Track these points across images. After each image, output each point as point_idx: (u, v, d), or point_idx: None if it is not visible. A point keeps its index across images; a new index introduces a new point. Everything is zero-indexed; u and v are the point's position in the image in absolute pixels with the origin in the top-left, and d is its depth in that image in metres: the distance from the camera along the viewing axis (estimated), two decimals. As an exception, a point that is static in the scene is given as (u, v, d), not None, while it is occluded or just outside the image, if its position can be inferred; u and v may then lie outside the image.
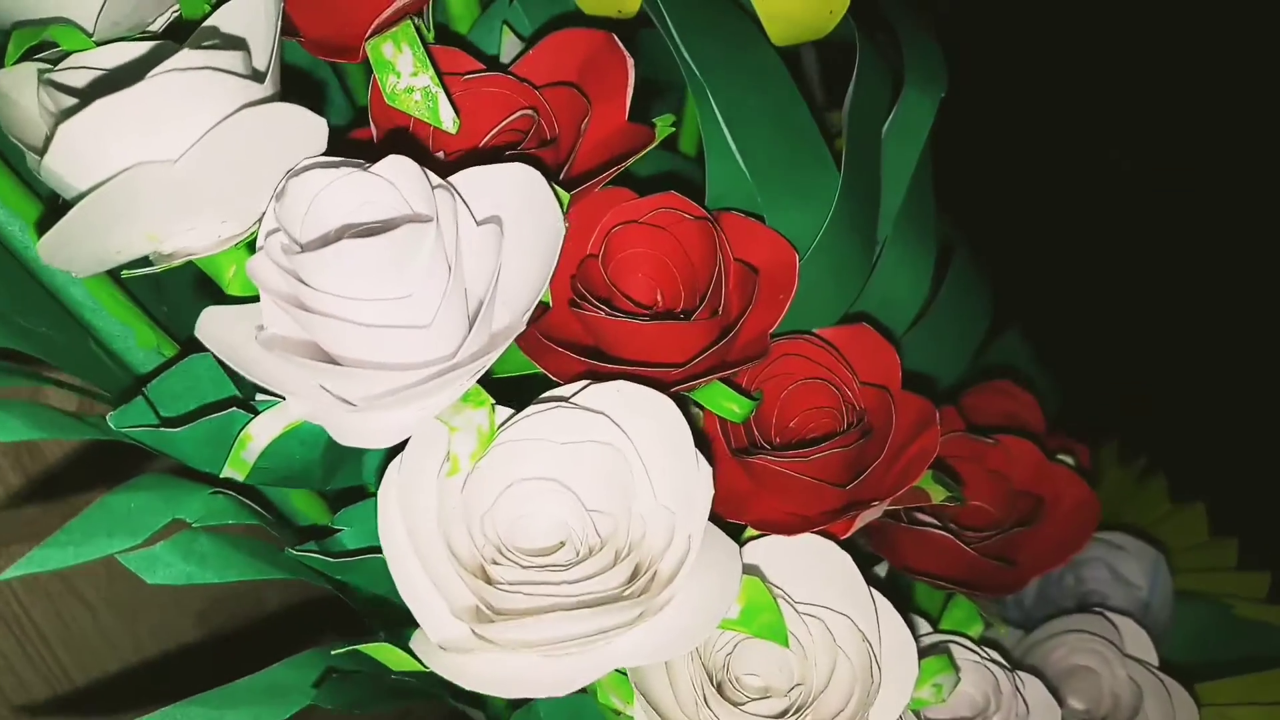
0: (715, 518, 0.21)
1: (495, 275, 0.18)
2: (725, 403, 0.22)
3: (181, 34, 0.20)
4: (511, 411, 0.20)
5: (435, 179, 0.19)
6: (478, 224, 0.19)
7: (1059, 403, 0.38)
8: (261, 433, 0.19)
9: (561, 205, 0.19)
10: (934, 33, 0.28)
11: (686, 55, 0.24)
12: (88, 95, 0.18)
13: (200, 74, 0.17)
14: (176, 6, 0.21)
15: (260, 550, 0.19)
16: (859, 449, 0.22)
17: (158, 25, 0.21)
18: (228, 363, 0.17)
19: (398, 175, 0.18)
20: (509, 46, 0.26)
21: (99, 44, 0.19)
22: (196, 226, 0.18)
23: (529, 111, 0.22)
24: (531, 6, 0.27)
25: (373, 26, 0.21)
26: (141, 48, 0.19)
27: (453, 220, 0.18)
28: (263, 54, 0.19)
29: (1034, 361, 0.38)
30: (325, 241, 0.18)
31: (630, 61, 0.23)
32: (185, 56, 0.17)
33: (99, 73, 0.19)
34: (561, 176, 0.22)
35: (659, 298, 0.23)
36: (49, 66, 0.18)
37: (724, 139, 0.24)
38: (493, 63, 0.24)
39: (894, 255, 0.27)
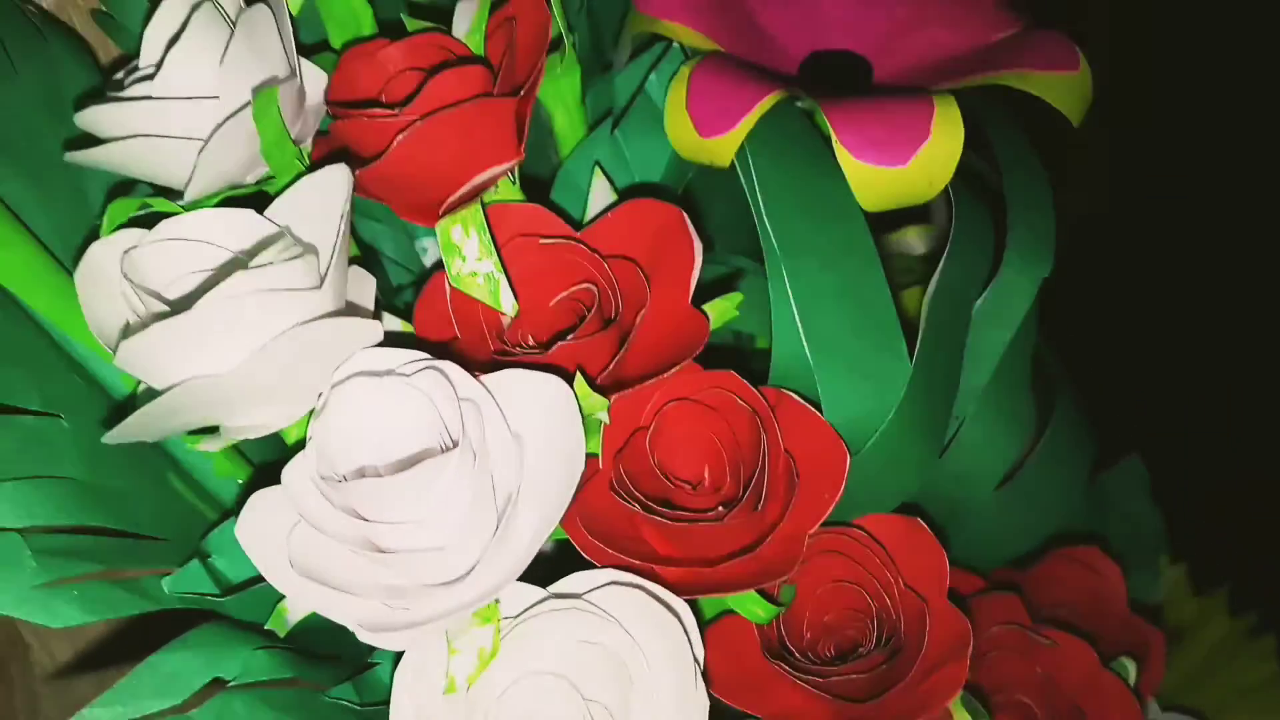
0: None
1: (515, 493, 0.19)
2: (751, 605, 0.22)
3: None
4: (532, 593, 0.21)
5: (468, 387, 0.19)
6: (508, 432, 0.19)
7: (1166, 551, 0.36)
8: (297, 608, 0.20)
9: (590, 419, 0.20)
10: (1050, 199, 0.26)
11: (770, 228, 0.24)
12: (163, 287, 0.19)
13: (253, 298, 0.18)
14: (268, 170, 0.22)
15: (294, 703, 0.21)
16: (885, 669, 0.22)
17: (251, 178, 0.22)
18: (263, 572, 0.19)
19: (433, 389, 0.19)
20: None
21: (188, 208, 0.21)
22: (256, 415, 0.20)
23: (592, 287, 0.23)
24: (631, 139, 0.27)
25: (445, 206, 0.22)
26: (224, 221, 0.20)
27: (481, 437, 0.19)
28: (326, 253, 0.20)
29: (1147, 499, 0.35)
30: (360, 460, 0.19)
31: (699, 246, 0.23)
32: (239, 281, 0.18)
33: (181, 244, 0.20)
34: (613, 364, 0.22)
35: (706, 476, 0.23)
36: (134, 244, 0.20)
37: (792, 319, 0.23)
38: (572, 223, 0.24)
39: (975, 434, 0.26)
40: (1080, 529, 0.31)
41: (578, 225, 0.24)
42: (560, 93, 0.27)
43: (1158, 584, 0.35)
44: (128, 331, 0.18)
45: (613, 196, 0.25)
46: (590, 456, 0.21)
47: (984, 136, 0.27)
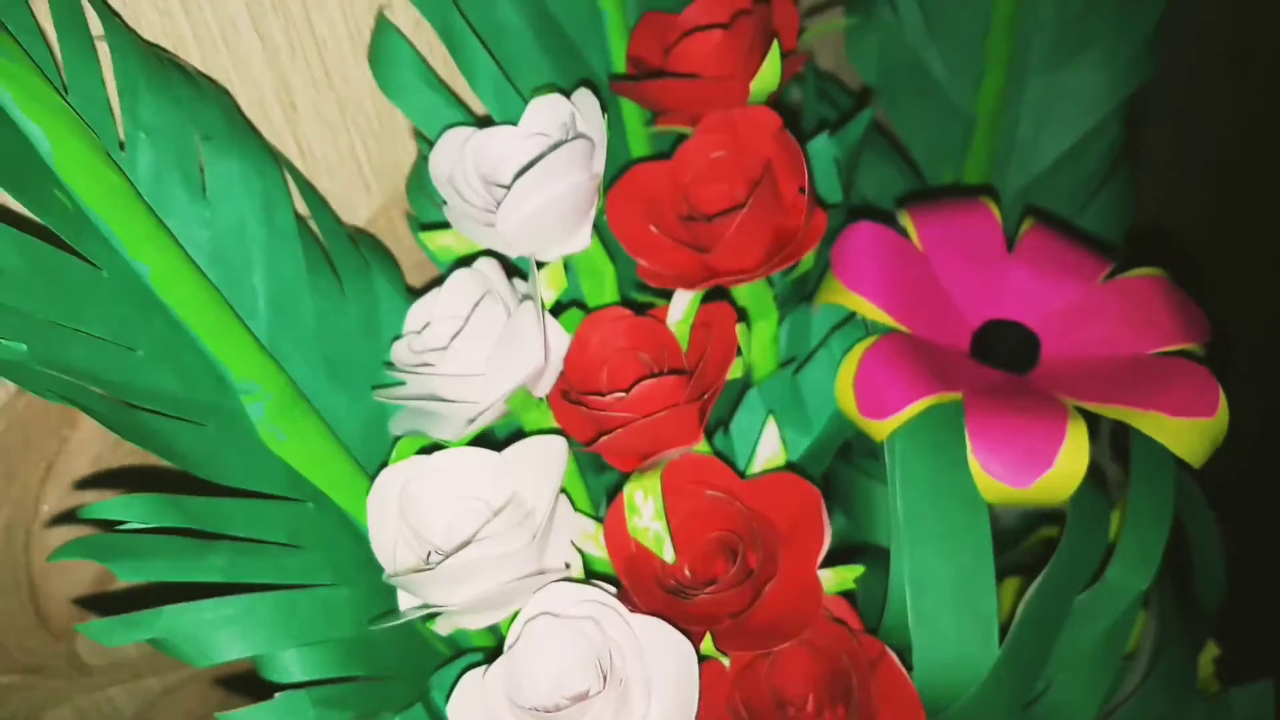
0: None
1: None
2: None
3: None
4: None
5: (619, 633, 0.26)
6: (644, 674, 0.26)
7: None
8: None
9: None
10: (1169, 518, 0.29)
11: (900, 509, 0.28)
12: (424, 525, 0.27)
13: (485, 562, 0.25)
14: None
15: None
16: None
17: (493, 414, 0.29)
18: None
19: (594, 632, 0.26)
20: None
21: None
22: (471, 620, 0.27)
23: (737, 539, 0.28)
24: (808, 384, 0.32)
25: (634, 472, 0.28)
26: (475, 462, 0.27)
27: (624, 678, 0.25)
28: (541, 513, 0.26)
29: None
30: (539, 691, 0.26)
31: (829, 531, 0.28)
32: (476, 551, 0.25)
33: (442, 478, 0.27)
34: (743, 614, 0.27)
35: (809, 703, 0.29)
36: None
37: (903, 594, 0.28)
38: (735, 464, 0.30)
39: (1059, 696, 0.30)
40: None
41: (742, 471, 0.30)
42: (758, 332, 0.32)
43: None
44: (396, 560, 0.26)
45: (779, 448, 0.31)
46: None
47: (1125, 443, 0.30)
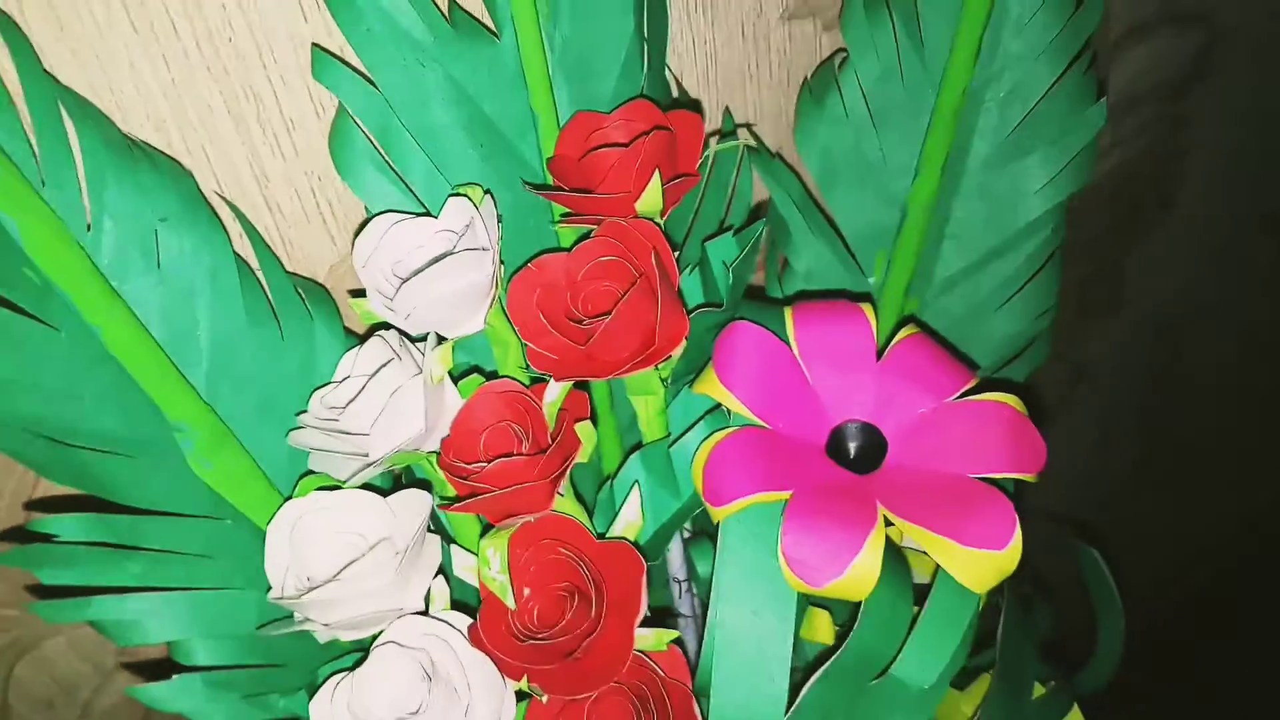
0: None
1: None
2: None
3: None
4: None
5: (447, 663, 0.31)
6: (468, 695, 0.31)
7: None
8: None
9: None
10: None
11: (719, 582, 0.33)
12: (309, 559, 0.32)
13: (351, 599, 0.31)
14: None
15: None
16: None
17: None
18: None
19: (425, 659, 0.31)
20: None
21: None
22: (346, 635, 0.33)
23: (577, 591, 0.33)
24: (680, 457, 0.37)
25: (487, 533, 0.33)
26: (358, 504, 0.33)
27: (450, 690, 0.31)
28: (403, 546, 0.32)
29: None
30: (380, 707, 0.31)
31: (645, 603, 0.32)
32: (338, 588, 0.30)
33: (329, 517, 0.33)
34: (566, 660, 0.32)
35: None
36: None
37: (711, 654, 0.33)
38: (593, 532, 0.35)
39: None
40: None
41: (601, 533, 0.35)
42: (644, 405, 0.37)
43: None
44: (284, 583, 0.32)
45: (639, 514, 0.35)
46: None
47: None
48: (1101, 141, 0.65)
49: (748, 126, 0.46)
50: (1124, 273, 0.78)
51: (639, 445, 0.38)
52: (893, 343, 0.37)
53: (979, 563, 0.31)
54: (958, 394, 0.36)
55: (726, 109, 0.45)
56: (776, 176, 0.44)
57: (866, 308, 0.37)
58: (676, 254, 0.35)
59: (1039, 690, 0.44)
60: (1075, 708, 0.45)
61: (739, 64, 0.45)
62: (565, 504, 0.34)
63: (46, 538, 0.30)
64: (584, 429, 0.33)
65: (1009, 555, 0.31)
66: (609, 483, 0.38)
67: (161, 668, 0.33)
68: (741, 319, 0.36)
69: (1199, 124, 0.72)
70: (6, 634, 0.41)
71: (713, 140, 0.41)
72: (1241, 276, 0.84)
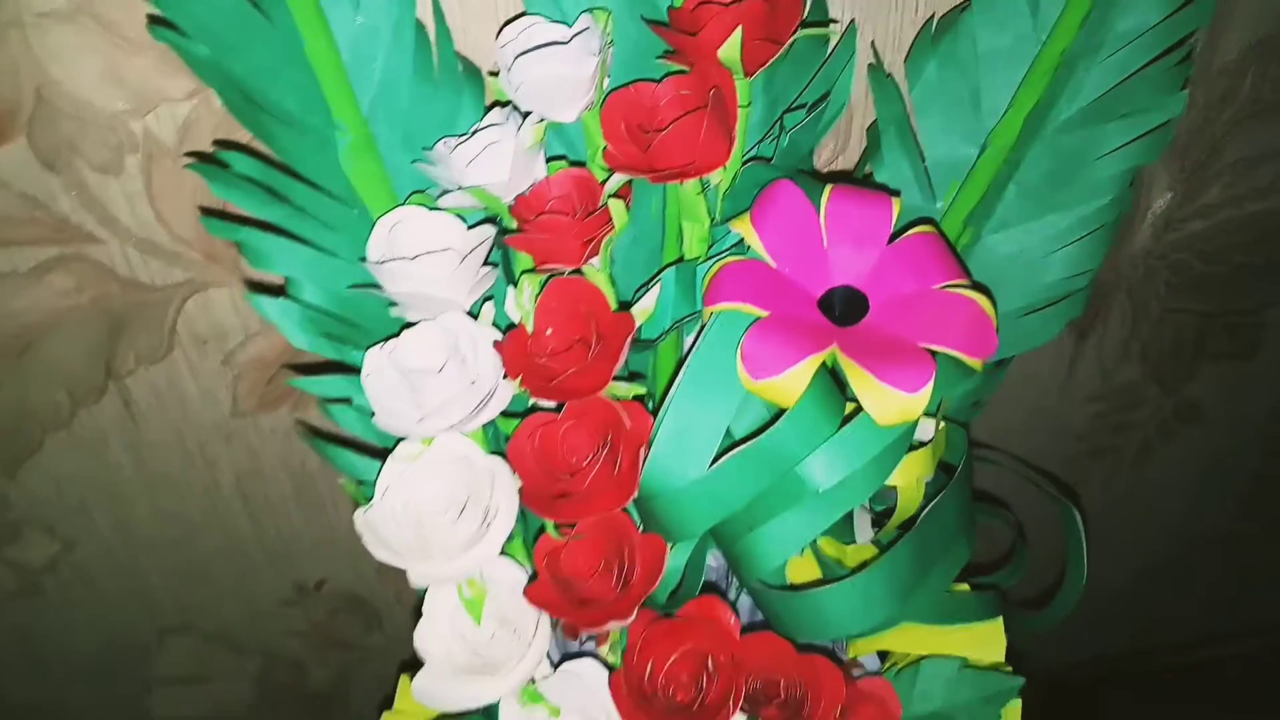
0: None
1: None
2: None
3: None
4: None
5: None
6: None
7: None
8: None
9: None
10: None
11: (691, 361, 0.40)
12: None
13: (417, 277, 0.41)
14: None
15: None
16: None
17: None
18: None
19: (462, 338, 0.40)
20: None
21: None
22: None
23: (587, 334, 0.42)
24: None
25: (532, 270, 0.42)
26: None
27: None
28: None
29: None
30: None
31: (622, 361, 0.41)
32: (414, 264, 0.40)
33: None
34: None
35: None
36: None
37: (664, 414, 0.41)
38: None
39: (756, 542, 0.41)
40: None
41: (627, 304, 0.43)
42: (691, 230, 0.45)
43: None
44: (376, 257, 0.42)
45: (652, 305, 0.43)
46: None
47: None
48: (1260, 180, 0.66)
49: (872, 46, 0.52)
50: (1264, 324, 0.78)
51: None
52: (907, 233, 0.43)
53: (888, 398, 0.38)
54: (943, 285, 0.41)
55: (854, 25, 0.51)
56: (884, 93, 0.50)
57: (897, 202, 0.43)
58: (745, 109, 0.42)
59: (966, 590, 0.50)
60: (1000, 628, 0.50)
61: (885, -5, 0.51)
62: (595, 275, 0.43)
63: (224, 164, 0.41)
64: (617, 208, 0.41)
65: (916, 400, 0.37)
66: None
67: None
68: (788, 179, 0.43)
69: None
70: (189, 273, 0.54)
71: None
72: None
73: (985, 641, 0.50)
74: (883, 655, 0.52)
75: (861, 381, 0.38)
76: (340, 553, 0.71)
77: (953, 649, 0.50)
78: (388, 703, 0.52)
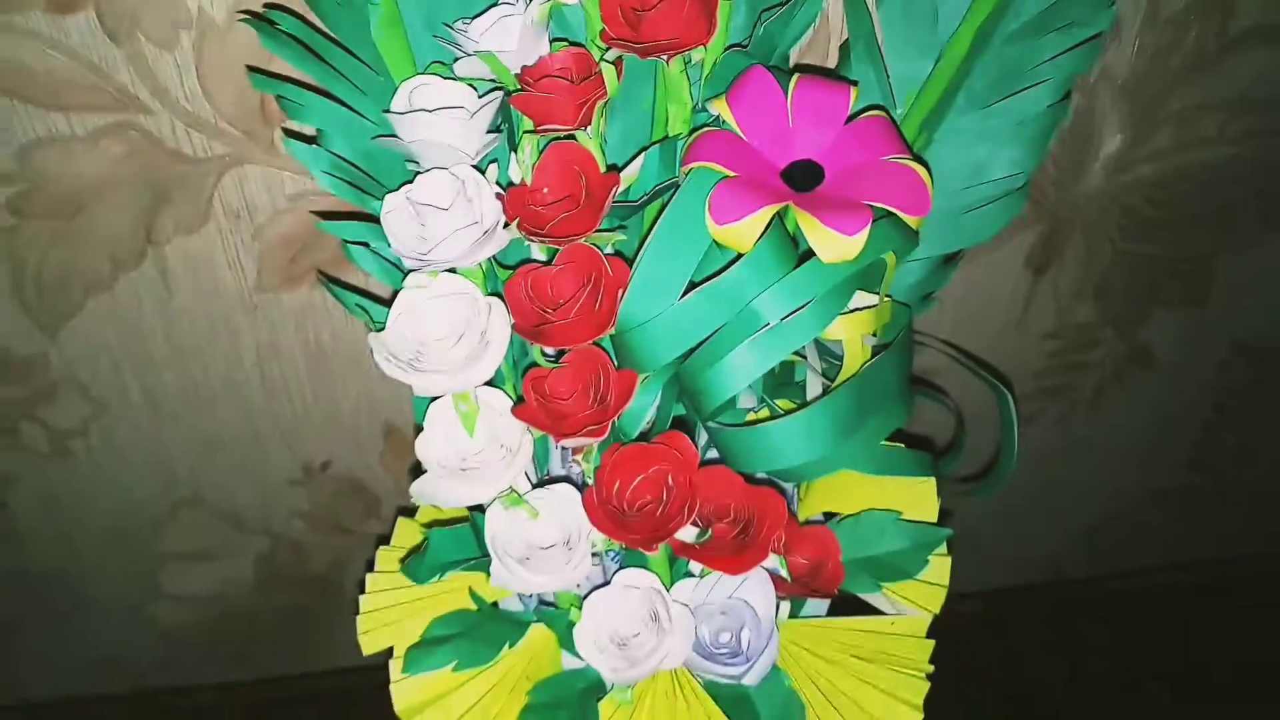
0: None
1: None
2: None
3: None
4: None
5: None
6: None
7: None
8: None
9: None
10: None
11: (669, 211, 0.47)
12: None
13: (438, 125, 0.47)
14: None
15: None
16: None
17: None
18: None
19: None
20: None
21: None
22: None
23: (577, 187, 0.48)
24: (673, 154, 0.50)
25: (540, 130, 0.48)
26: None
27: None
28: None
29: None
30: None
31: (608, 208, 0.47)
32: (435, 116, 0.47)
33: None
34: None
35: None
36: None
37: (641, 259, 0.47)
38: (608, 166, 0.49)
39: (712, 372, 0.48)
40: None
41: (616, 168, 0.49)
42: (676, 114, 0.51)
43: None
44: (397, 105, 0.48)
45: (635, 172, 0.49)
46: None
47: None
48: (1205, 129, 0.73)
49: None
50: (1214, 273, 0.84)
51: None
52: (860, 116, 0.49)
53: (830, 239, 0.44)
54: (888, 157, 0.48)
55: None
56: (855, 13, 0.57)
57: (854, 90, 0.49)
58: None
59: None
60: (933, 489, 0.56)
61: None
62: (587, 140, 0.49)
63: (273, 22, 0.48)
64: (609, 73, 0.47)
65: (854, 242, 0.44)
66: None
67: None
68: (764, 67, 0.49)
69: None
70: (229, 148, 0.61)
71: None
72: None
73: (919, 501, 0.56)
74: (829, 516, 0.58)
75: (809, 226, 0.44)
76: (346, 435, 0.77)
77: (890, 506, 0.56)
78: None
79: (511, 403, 0.49)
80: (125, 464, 0.77)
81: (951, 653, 0.55)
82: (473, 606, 0.55)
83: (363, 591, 0.56)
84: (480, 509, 0.51)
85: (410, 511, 0.61)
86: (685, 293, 0.46)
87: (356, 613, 0.55)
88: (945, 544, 0.55)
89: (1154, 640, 0.94)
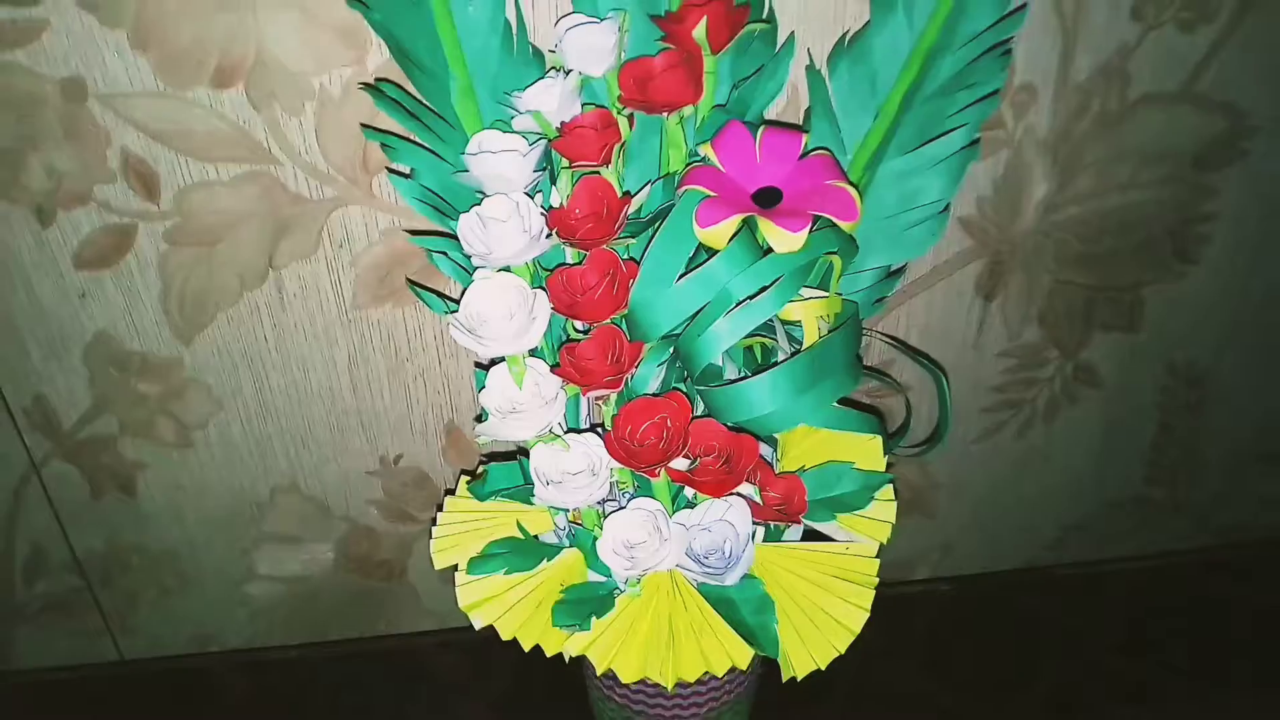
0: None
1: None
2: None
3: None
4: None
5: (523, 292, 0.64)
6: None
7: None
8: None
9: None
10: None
11: (665, 223, 0.64)
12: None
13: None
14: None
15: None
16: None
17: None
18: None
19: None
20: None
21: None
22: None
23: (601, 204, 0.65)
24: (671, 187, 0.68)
25: (571, 167, 0.66)
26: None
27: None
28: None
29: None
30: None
31: (624, 221, 0.64)
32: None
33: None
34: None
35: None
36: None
37: (646, 254, 0.64)
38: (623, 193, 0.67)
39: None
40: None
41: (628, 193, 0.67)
42: (675, 157, 0.68)
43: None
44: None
45: (645, 198, 0.67)
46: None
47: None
48: (1118, 177, 0.89)
49: (808, 52, 0.76)
50: (1143, 301, 0.99)
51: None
52: (809, 154, 0.66)
53: (779, 234, 0.60)
54: (829, 182, 0.64)
55: (793, 35, 0.75)
56: (815, 84, 0.74)
57: (806, 136, 0.67)
58: (712, 74, 0.66)
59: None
60: (879, 446, 0.72)
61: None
62: (609, 174, 0.66)
63: (381, 91, 0.66)
64: (625, 126, 0.65)
65: (798, 237, 0.60)
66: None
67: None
68: (740, 121, 0.67)
69: (1227, 196, 0.92)
70: (337, 192, 0.79)
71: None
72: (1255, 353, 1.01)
73: (869, 456, 0.71)
74: (801, 473, 0.73)
75: (767, 227, 0.61)
76: (417, 432, 0.94)
77: (846, 459, 0.71)
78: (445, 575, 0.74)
79: (549, 366, 0.66)
80: (235, 454, 0.94)
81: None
82: (519, 536, 0.71)
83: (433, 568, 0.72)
84: (525, 453, 0.67)
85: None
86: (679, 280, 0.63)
87: (418, 595, 0.71)
88: (892, 489, 0.70)
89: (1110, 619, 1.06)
